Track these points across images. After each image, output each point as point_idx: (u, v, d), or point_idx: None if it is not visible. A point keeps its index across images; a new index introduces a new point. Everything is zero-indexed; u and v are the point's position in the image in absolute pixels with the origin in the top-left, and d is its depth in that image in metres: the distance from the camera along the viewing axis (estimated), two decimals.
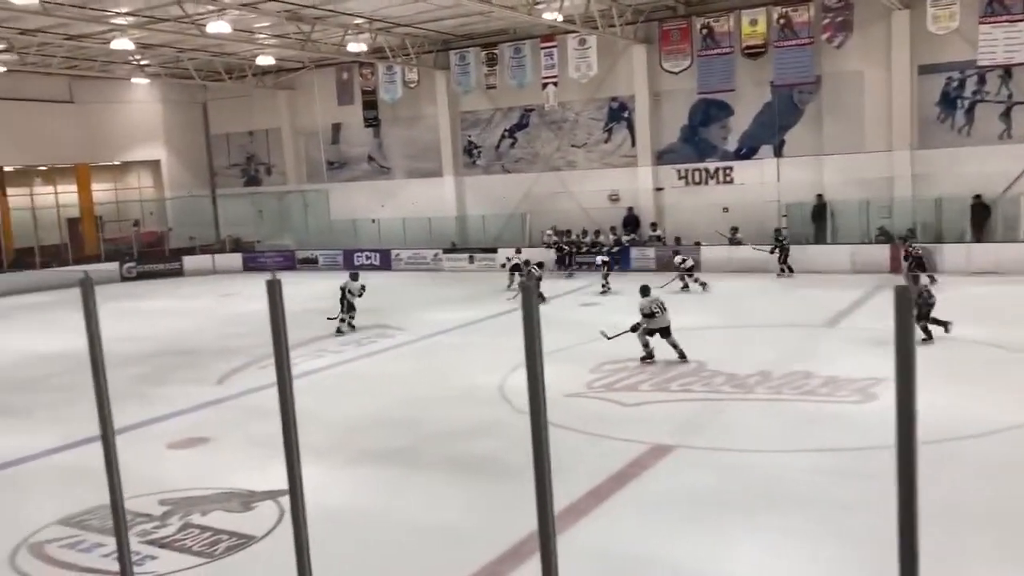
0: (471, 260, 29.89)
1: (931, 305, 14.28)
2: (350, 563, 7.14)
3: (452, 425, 11.30)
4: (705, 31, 26.15)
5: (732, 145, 27.13)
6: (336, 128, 34.84)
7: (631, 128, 28.69)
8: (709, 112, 27.26)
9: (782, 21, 24.98)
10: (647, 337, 14.18)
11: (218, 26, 23.23)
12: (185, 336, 19.11)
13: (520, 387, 12.81)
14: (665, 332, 14.12)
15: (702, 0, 26.54)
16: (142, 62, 31.91)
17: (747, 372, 13.04)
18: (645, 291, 14.53)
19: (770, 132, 26.40)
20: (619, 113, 28.95)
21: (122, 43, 24.95)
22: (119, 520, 3.87)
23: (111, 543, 8.00)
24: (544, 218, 29.91)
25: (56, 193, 34.82)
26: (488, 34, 29.75)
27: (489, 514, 8.28)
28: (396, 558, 7.40)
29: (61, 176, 35.23)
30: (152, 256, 33.68)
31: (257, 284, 27.93)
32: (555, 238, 28.46)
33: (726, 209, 26.70)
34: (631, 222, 28.35)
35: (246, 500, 8.90)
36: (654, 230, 27.67)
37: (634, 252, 26.95)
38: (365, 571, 7.21)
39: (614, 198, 29.10)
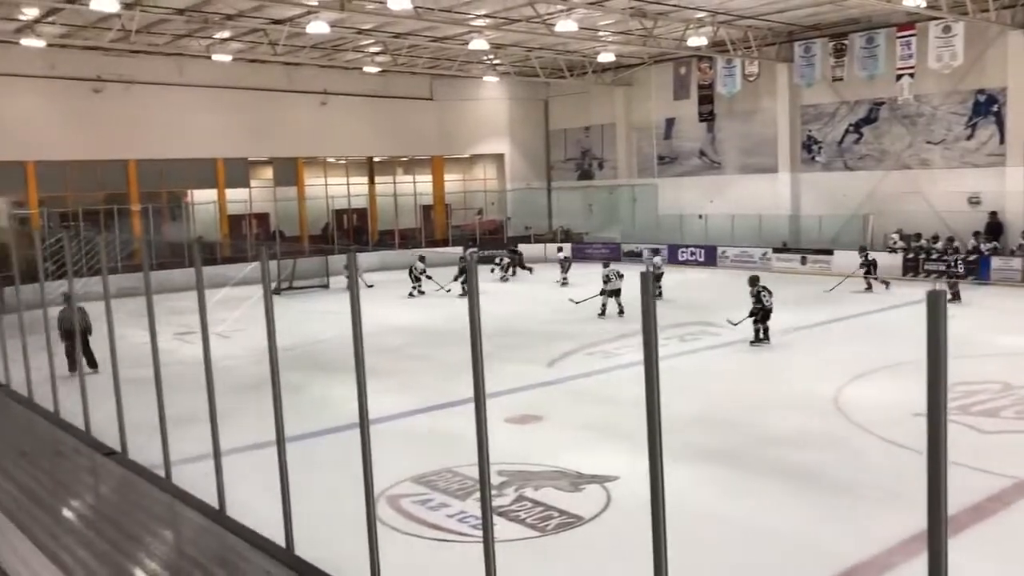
0: (803, 262, 28.49)
1: None
2: (681, 558, 7.12)
3: (781, 431, 10.86)
4: None
5: None
6: (669, 123, 34.90)
7: (1000, 124, 25.55)
8: None
9: None
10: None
11: (566, 25, 24.23)
12: (520, 319, 20.25)
13: (858, 400, 12.07)
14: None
15: None
16: (494, 61, 34.21)
17: None
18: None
19: None
20: (986, 107, 25.90)
21: (479, 43, 27.00)
22: (484, 484, 4.14)
23: (455, 504, 8.74)
24: (889, 220, 27.64)
25: (414, 182, 38.52)
26: (838, 23, 28.05)
27: (820, 527, 7.86)
28: (729, 558, 7.26)
29: (419, 167, 38.90)
30: (492, 243, 36.09)
31: (584, 274, 28.97)
32: (901, 243, 26.23)
33: None
34: (994, 229, 25.30)
35: (575, 481, 9.22)
36: None
37: (995, 262, 24.05)
38: (698, 568, 7.15)
39: (975, 201, 26.16)
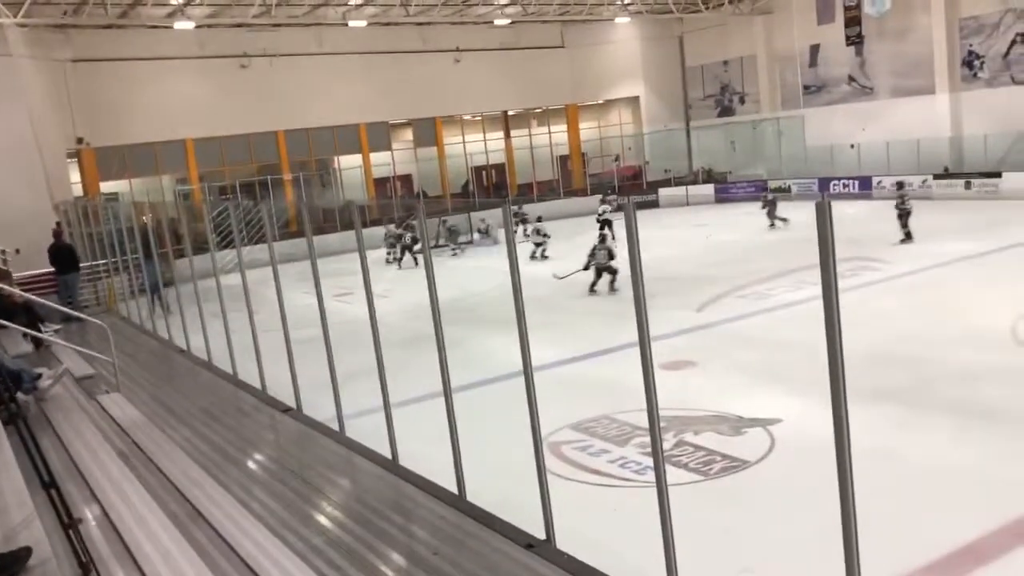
0: (968, 186, 26.65)
1: None
2: (858, 498, 6.91)
3: (953, 367, 10.32)
4: None
5: None
6: (814, 50, 33.13)
7: None
8: None
9: None
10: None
11: None
12: (665, 264, 19.92)
13: None
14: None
15: None
16: (626, 1, 33.40)
17: None
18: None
19: None
20: None
21: None
22: (654, 430, 4.12)
23: (614, 450, 8.79)
24: None
25: (549, 133, 38.38)
26: None
27: (1000, 465, 7.45)
28: (910, 498, 6.98)
29: (553, 117, 38.70)
30: (630, 189, 35.61)
31: (729, 214, 28.17)
32: None
33: None
34: None
35: (735, 425, 9.07)
36: None
37: None
38: (874, 508, 6.93)
39: None
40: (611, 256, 17.06)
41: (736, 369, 11.27)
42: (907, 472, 7.54)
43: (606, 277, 17.20)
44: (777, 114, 34.96)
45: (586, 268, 17.07)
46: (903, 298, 14.64)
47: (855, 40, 31.07)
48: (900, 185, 19.38)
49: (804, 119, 33.76)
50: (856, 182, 29.93)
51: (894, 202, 19.79)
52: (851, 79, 32.14)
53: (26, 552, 3.50)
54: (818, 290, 3.28)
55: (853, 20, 30.78)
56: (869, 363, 10.76)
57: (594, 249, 17.33)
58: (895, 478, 7.35)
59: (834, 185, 30.32)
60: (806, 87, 33.71)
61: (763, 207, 25.43)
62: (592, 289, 17.23)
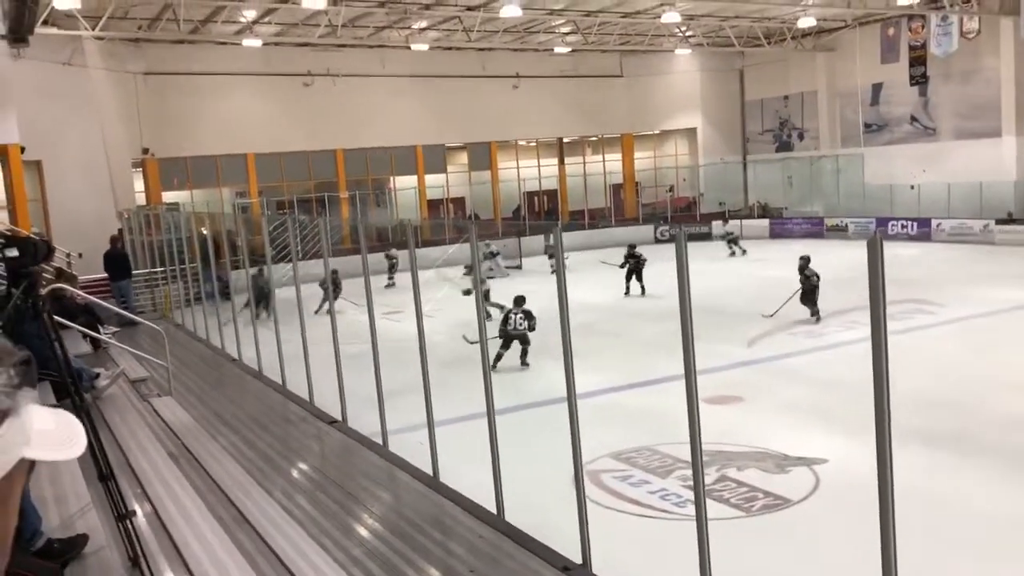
0: None
1: None
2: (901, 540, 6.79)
3: (1010, 414, 10.05)
4: None
5: None
6: (876, 88, 32.79)
7: None
8: None
9: None
10: None
11: None
12: (716, 297, 19.77)
13: None
14: None
15: None
16: (687, 33, 33.47)
17: None
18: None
19: None
20: None
21: (671, 16, 26.51)
22: (696, 464, 4.12)
23: (655, 481, 8.74)
24: None
25: (604, 161, 38.46)
26: None
27: None
28: (954, 543, 6.84)
29: (608, 145, 38.79)
30: (683, 220, 35.44)
31: (784, 250, 27.86)
32: None
33: None
34: None
35: (780, 462, 8.97)
36: None
37: None
38: (921, 550, 6.80)
39: None
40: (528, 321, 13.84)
41: (783, 406, 11.15)
42: (948, 517, 7.37)
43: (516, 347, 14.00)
44: (836, 151, 34.60)
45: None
46: (956, 343, 14.36)
47: (919, 80, 30.69)
48: (806, 261, 16.88)
49: (864, 157, 33.35)
50: (915, 223, 29.44)
51: (798, 277, 17.03)
52: (913, 119, 31.72)
53: (83, 539, 3.64)
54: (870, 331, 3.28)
55: (918, 60, 30.41)
56: (918, 405, 10.55)
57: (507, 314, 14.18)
58: (936, 522, 7.20)
59: (892, 225, 29.84)
60: (867, 125, 33.34)
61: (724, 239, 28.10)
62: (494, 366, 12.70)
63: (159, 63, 28.08)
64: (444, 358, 12.39)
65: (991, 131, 28.86)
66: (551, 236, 26.70)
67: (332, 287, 11.80)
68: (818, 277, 16.68)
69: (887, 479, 3.14)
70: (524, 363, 13.80)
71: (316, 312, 12.75)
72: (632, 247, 21.52)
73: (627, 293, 20.91)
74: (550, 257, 25.72)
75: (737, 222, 33.28)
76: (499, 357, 13.28)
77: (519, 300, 14.12)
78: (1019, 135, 28.21)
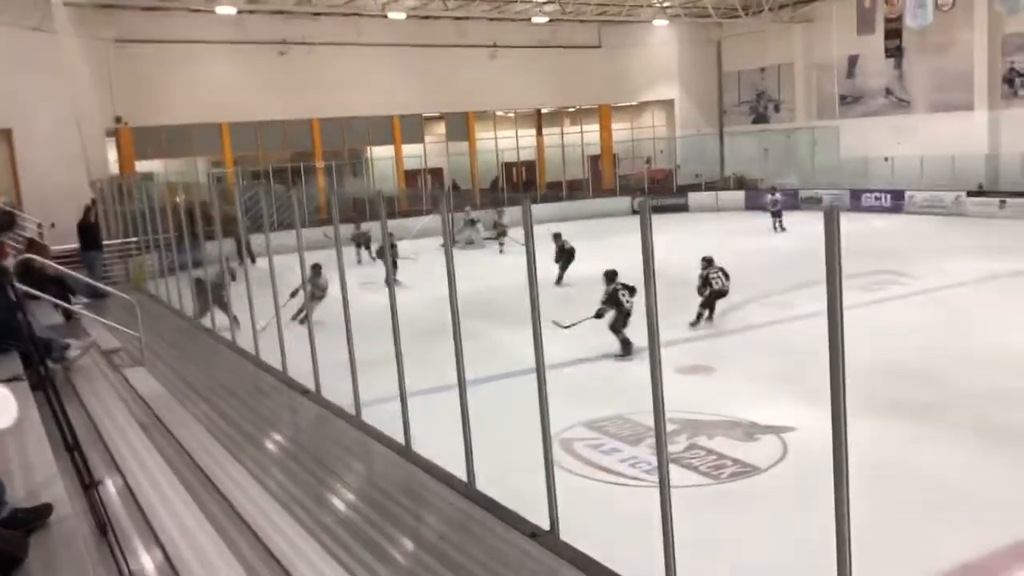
0: (1002, 205, 26.38)
1: None
2: (864, 510, 6.95)
3: (979, 387, 10.25)
4: None
5: None
6: (852, 60, 32.90)
7: None
8: None
9: None
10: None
11: None
12: (689, 270, 19.92)
13: None
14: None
15: None
16: (664, 4, 33.34)
17: None
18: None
19: None
20: None
21: None
22: (660, 431, 4.19)
23: (626, 449, 8.86)
24: None
25: (581, 132, 38.39)
26: None
27: (1016, 489, 7.41)
28: (916, 513, 7.00)
29: (586, 116, 38.69)
30: (660, 192, 35.52)
31: (757, 222, 28.01)
32: None
33: None
34: None
35: (748, 431, 9.12)
36: None
37: None
38: (880, 522, 6.96)
39: None
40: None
41: (753, 376, 11.30)
42: (916, 486, 7.55)
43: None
44: (812, 123, 34.75)
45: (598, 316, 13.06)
46: (928, 313, 14.57)
47: (895, 52, 30.80)
48: (708, 262, 14.71)
49: (839, 130, 33.52)
50: (889, 195, 29.71)
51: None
52: (888, 91, 31.88)
53: (47, 509, 3.65)
54: (846, 301, 3.34)
55: (894, 32, 30.48)
56: (889, 376, 10.75)
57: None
58: (903, 492, 7.37)
59: (866, 197, 30.10)
60: (842, 98, 33.47)
61: (769, 211, 26.44)
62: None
63: (132, 30, 27.58)
64: (421, 329, 12.39)
65: (964, 104, 29.08)
66: (501, 213, 26.77)
67: (312, 287, 11.63)
68: (727, 276, 14.49)
69: (842, 451, 3.22)
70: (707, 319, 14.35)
71: (293, 319, 12.13)
72: (558, 235, 19.33)
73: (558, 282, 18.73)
74: (499, 235, 25.59)
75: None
76: (700, 317, 14.28)
77: (709, 260, 14.65)
78: (991, 108, 28.45)
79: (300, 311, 11.84)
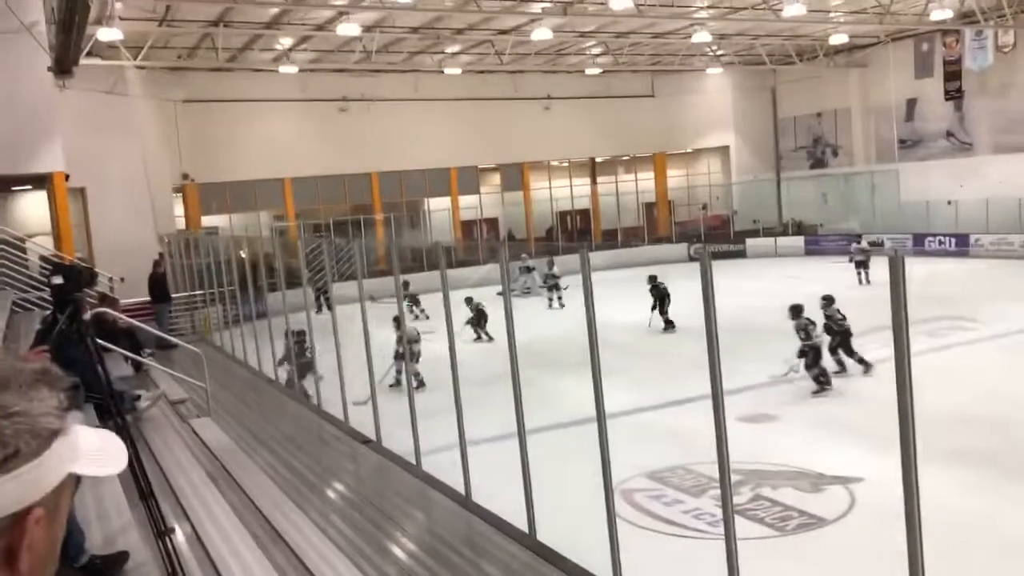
0: None
1: None
2: (935, 563, 6.72)
3: None
4: None
5: None
6: (911, 104, 32.51)
7: None
8: None
9: None
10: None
11: (794, 9, 23.21)
12: (749, 316, 19.66)
13: None
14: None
15: None
16: (718, 52, 33.48)
17: None
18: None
19: None
20: None
21: (701, 36, 26.58)
22: (725, 485, 4.15)
23: (688, 501, 8.72)
24: None
25: (636, 180, 38.48)
26: None
27: None
28: (987, 563, 6.74)
29: (640, 164, 38.80)
30: (717, 238, 35.28)
31: (818, 267, 27.61)
32: None
33: None
34: None
35: (815, 481, 8.91)
36: None
37: None
38: (957, 569, 6.72)
39: None
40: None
41: (818, 424, 11.08)
42: (988, 537, 7.27)
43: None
44: (871, 168, 34.30)
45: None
46: (995, 360, 14.13)
47: (954, 95, 30.39)
48: (828, 301, 14.10)
49: (899, 173, 33.02)
50: (952, 239, 29.07)
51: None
52: (949, 134, 31.37)
53: (124, 556, 3.76)
54: (912, 348, 3.30)
55: (953, 75, 30.15)
56: (956, 423, 10.43)
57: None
58: (974, 542, 7.11)
59: (929, 241, 29.49)
60: (902, 141, 33.03)
61: (852, 262, 24.91)
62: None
63: (198, 90, 28.68)
64: (480, 377, 12.44)
65: None
66: (551, 264, 26.55)
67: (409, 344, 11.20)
68: (843, 316, 13.84)
69: (914, 505, 3.15)
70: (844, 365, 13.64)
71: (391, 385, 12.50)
72: (654, 277, 19.49)
73: (650, 325, 19.12)
74: (550, 289, 24.58)
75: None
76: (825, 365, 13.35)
77: (830, 299, 13.98)
78: None
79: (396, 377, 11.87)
